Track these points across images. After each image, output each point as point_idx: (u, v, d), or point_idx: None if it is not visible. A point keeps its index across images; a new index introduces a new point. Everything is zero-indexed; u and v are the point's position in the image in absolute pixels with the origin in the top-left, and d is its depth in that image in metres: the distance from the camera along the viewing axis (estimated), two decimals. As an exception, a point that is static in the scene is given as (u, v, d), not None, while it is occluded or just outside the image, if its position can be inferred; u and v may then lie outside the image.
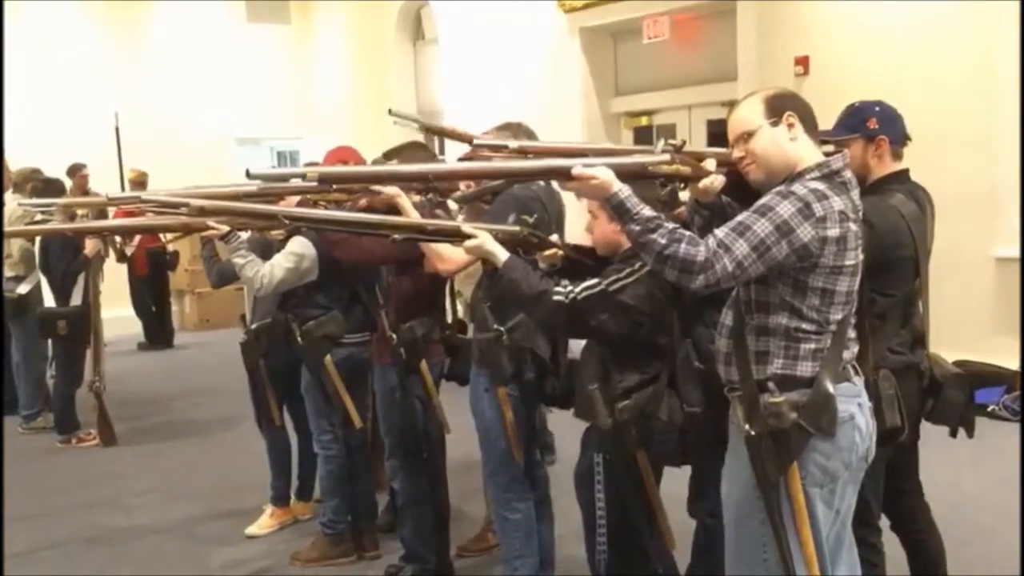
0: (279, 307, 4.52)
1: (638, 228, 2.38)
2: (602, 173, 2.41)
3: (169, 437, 7.13)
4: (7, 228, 6.59)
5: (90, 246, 6.44)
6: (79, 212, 6.45)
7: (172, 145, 11.79)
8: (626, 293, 2.91)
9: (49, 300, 6.75)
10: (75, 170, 9.67)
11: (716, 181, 2.58)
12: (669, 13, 8.92)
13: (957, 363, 3.38)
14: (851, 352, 2.56)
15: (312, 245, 4.21)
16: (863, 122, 3.14)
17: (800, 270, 2.41)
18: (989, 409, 6.24)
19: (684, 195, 2.72)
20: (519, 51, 10.39)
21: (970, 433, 3.29)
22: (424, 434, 4.16)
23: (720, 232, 2.38)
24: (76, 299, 6.65)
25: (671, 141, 2.55)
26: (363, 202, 3.57)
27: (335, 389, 4.39)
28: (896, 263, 3.07)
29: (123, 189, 8.52)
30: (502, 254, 2.90)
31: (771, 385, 2.47)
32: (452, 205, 4.05)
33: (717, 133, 8.07)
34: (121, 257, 8.18)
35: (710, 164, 2.58)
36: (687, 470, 3.29)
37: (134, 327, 11.00)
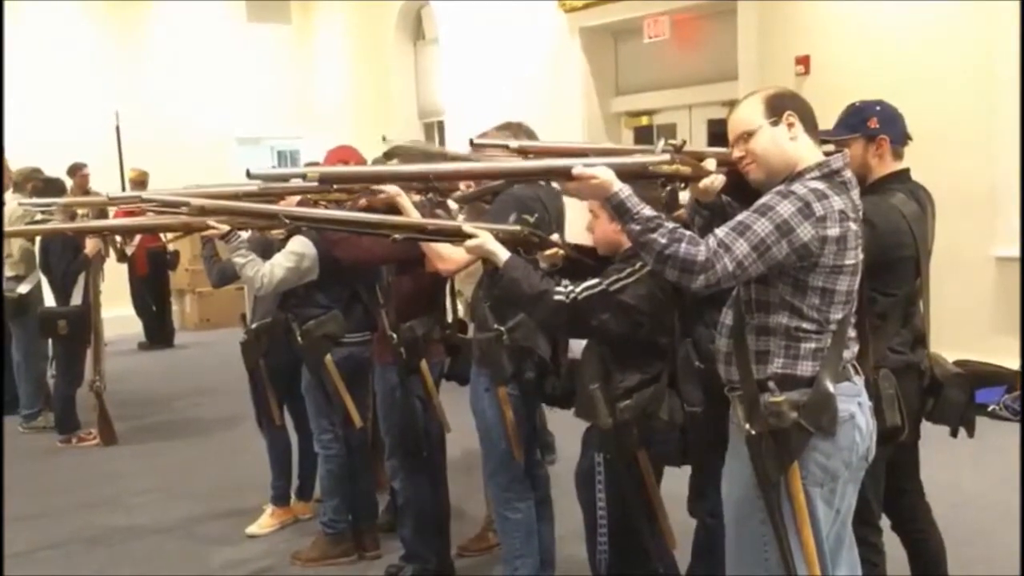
0: (279, 306, 4.53)
1: (638, 228, 2.38)
2: (602, 173, 2.41)
3: (169, 437, 7.13)
4: (7, 228, 6.59)
5: (90, 246, 6.44)
6: (79, 212, 6.45)
7: (173, 145, 11.80)
8: (627, 293, 2.91)
9: (50, 300, 6.75)
10: (76, 170, 9.68)
11: (716, 181, 2.58)
12: (669, 13, 8.92)
13: (958, 363, 3.39)
14: (851, 351, 2.56)
15: (312, 245, 4.21)
16: (864, 122, 3.14)
17: (800, 269, 2.41)
18: (990, 409, 6.24)
19: (684, 196, 2.72)
20: (519, 51, 10.39)
21: (970, 433, 3.29)
22: (424, 434, 4.16)
23: (720, 232, 2.38)
24: (76, 299, 6.65)
25: (671, 141, 2.55)
26: (363, 202, 3.57)
27: (335, 389, 4.39)
28: (897, 263, 3.07)
29: (123, 189, 8.51)
30: (503, 254, 2.91)
31: (771, 384, 2.47)
32: (452, 205, 4.05)
33: (718, 133, 8.06)
34: (121, 257, 8.17)
35: (710, 164, 2.58)
36: (687, 469, 3.29)
37: (134, 326, 11.01)
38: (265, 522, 5.04)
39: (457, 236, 2.98)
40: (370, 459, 4.69)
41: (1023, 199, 6.42)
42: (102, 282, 6.82)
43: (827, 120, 3.07)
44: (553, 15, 9.95)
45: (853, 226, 2.44)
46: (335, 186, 3.47)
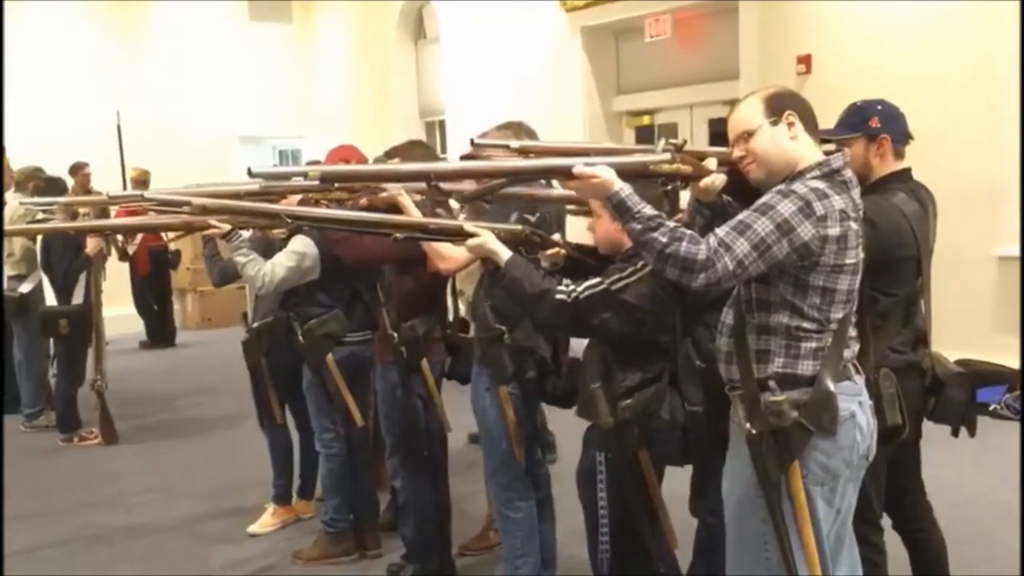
0: (281, 306, 4.53)
1: (639, 227, 2.38)
2: (603, 172, 2.41)
3: (171, 436, 7.13)
4: (9, 227, 6.60)
5: (92, 245, 6.44)
6: (81, 211, 6.45)
7: (174, 144, 11.80)
8: (628, 292, 2.91)
9: (51, 299, 6.75)
10: (77, 169, 9.70)
11: (717, 180, 2.58)
12: (671, 12, 8.92)
13: (959, 362, 3.38)
14: (852, 351, 2.57)
15: (314, 244, 4.21)
16: (865, 121, 3.14)
17: (801, 269, 2.41)
18: (991, 408, 6.24)
19: (685, 196, 2.72)
20: (521, 50, 10.40)
21: (972, 432, 3.29)
22: (425, 433, 4.16)
23: (721, 231, 2.38)
24: (78, 298, 6.65)
25: (672, 140, 2.55)
26: (364, 201, 3.57)
27: (337, 388, 4.39)
28: (898, 262, 3.07)
29: (125, 188, 8.52)
30: (504, 253, 2.91)
31: (772, 384, 2.47)
32: (453, 204, 4.05)
33: (719, 132, 8.07)
34: (123, 255, 8.18)
35: (711, 163, 2.59)
36: (688, 469, 3.28)
37: (136, 326, 11.02)
38: (266, 521, 5.04)
39: (459, 235, 2.98)
40: (371, 458, 4.69)
41: (1023, 198, 6.42)
42: (103, 281, 6.81)
43: (828, 119, 3.07)
44: (554, 14, 9.95)
45: (854, 225, 2.44)
46: (336, 185, 3.46)
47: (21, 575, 4.59)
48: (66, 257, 6.60)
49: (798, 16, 7.81)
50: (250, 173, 2.67)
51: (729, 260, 2.34)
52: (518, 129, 3.71)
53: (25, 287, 7.10)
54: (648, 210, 2.39)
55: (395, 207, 3.49)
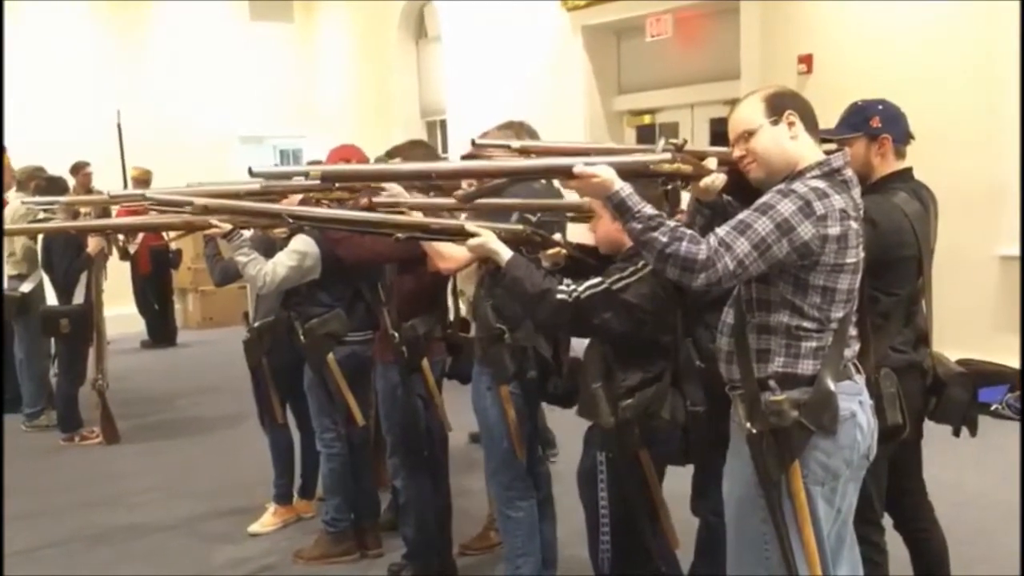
0: (282, 305, 4.53)
1: (639, 226, 2.38)
2: (603, 171, 2.41)
3: (172, 435, 7.13)
4: (11, 226, 6.60)
5: (93, 244, 6.44)
6: (82, 210, 6.45)
7: (175, 144, 11.79)
8: (629, 292, 2.91)
9: (52, 298, 6.75)
10: (78, 168, 9.70)
11: (717, 180, 2.58)
12: (672, 11, 8.91)
13: (960, 362, 3.38)
14: (852, 350, 2.57)
15: (315, 243, 4.21)
16: (866, 120, 3.14)
17: (801, 268, 2.41)
18: (992, 408, 6.24)
19: (686, 197, 2.72)
20: (522, 49, 10.39)
21: (973, 432, 3.29)
22: (426, 432, 4.16)
23: (721, 231, 2.38)
24: (79, 297, 6.65)
25: (672, 140, 2.55)
26: (364, 200, 3.57)
27: (338, 387, 4.39)
28: (899, 262, 3.07)
29: (125, 187, 8.53)
30: (505, 253, 2.92)
31: (772, 383, 2.47)
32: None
33: (720, 132, 8.06)
34: (124, 255, 8.17)
35: (711, 163, 2.59)
36: (689, 468, 3.29)
37: (137, 325, 11.02)
38: (267, 520, 5.04)
39: (460, 235, 2.99)
40: (372, 458, 4.70)
41: (1023, 198, 6.42)
42: (104, 281, 6.81)
43: (830, 119, 3.08)
44: (555, 14, 9.95)
45: (854, 224, 2.44)
46: (337, 185, 3.46)
47: (22, 575, 4.60)
48: (67, 256, 6.60)
49: (799, 16, 7.81)
50: (251, 173, 2.67)
51: (729, 260, 2.34)
52: (519, 129, 3.71)
53: (26, 286, 7.10)
54: (648, 210, 2.39)
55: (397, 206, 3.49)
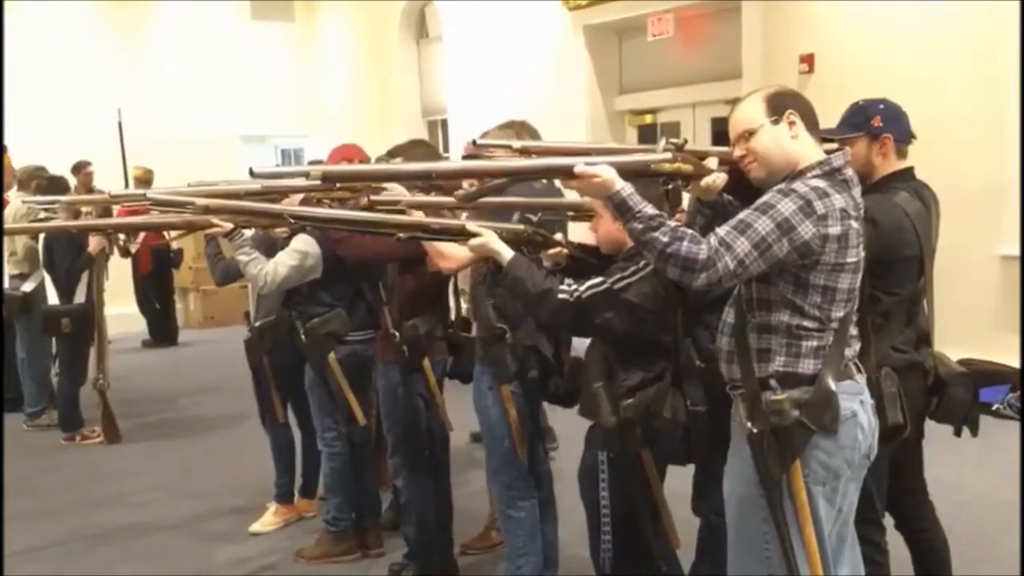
0: (283, 304, 4.53)
1: (640, 226, 2.38)
2: (604, 171, 2.41)
3: (173, 434, 7.13)
4: (12, 225, 6.60)
5: (94, 244, 6.44)
6: (83, 210, 6.45)
7: (176, 143, 11.79)
8: (631, 291, 2.92)
9: (53, 298, 6.76)
10: (80, 168, 9.70)
11: (718, 179, 2.58)
12: (673, 11, 8.92)
13: (962, 361, 3.38)
14: (853, 350, 2.57)
15: (316, 243, 4.21)
16: (867, 120, 3.14)
17: (801, 268, 2.41)
18: (994, 408, 6.24)
19: (686, 197, 2.72)
20: (523, 49, 10.40)
21: (974, 432, 3.29)
22: (427, 432, 4.16)
23: (721, 230, 2.38)
24: (80, 297, 6.66)
25: (673, 140, 2.55)
26: (365, 200, 3.57)
27: (339, 386, 4.39)
28: (901, 261, 3.07)
29: (127, 186, 8.53)
30: (507, 252, 2.92)
31: (773, 383, 2.47)
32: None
33: (722, 131, 8.06)
34: (125, 253, 8.17)
35: (712, 162, 2.59)
36: (690, 468, 3.28)
37: (138, 324, 11.03)
38: (269, 520, 5.04)
39: (461, 235, 2.99)
40: (373, 457, 4.70)
41: (1023, 198, 6.42)
42: (106, 280, 6.81)
43: (831, 119, 3.07)
44: (557, 13, 9.95)
45: (854, 224, 2.44)
46: (338, 184, 3.46)
47: (23, 574, 4.60)
48: (68, 256, 6.61)
49: (801, 15, 7.81)
50: (252, 174, 2.67)
51: (730, 259, 2.33)
52: (520, 128, 3.71)
53: (28, 286, 7.11)
54: (649, 209, 2.39)
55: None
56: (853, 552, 2.67)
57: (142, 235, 8.92)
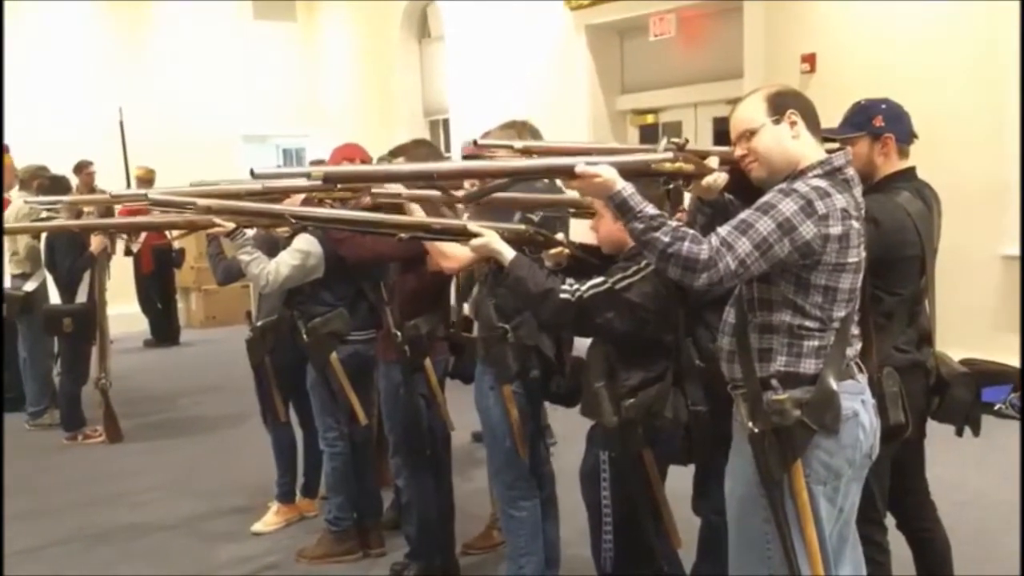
0: (285, 304, 4.53)
1: (641, 226, 2.38)
2: (605, 171, 2.41)
3: (175, 434, 7.14)
4: (14, 224, 6.61)
5: (96, 243, 6.45)
6: (85, 209, 6.46)
7: (178, 143, 11.80)
8: (632, 291, 2.92)
9: (55, 297, 6.76)
10: (82, 168, 9.71)
11: (719, 179, 2.58)
12: (675, 11, 8.92)
13: (964, 361, 3.38)
14: (854, 349, 2.56)
15: (318, 242, 4.22)
16: (869, 120, 3.14)
17: (803, 268, 2.41)
18: (996, 408, 6.23)
19: (687, 198, 2.72)
20: (525, 49, 10.40)
21: (976, 432, 3.29)
22: (428, 431, 4.16)
23: (723, 230, 2.38)
24: (82, 296, 6.66)
25: (674, 139, 2.55)
26: (367, 200, 3.57)
27: (340, 386, 4.39)
28: (903, 261, 3.06)
29: (128, 186, 8.53)
30: (508, 252, 2.92)
31: (774, 382, 2.47)
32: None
33: (723, 131, 8.06)
34: (127, 251, 8.18)
35: (713, 162, 2.59)
36: (691, 467, 3.28)
37: (140, 324, 11.03)
38: (270, 519, 5.04)
39: (463, 235, 2.99)
40: (375, 457, 4.70)
41: (1023, 198, 6.41)
42: (107, 280, 6.82)
43: (833, 118, 3.07)
44: (559, 13, 9.96)
45: (855, 224, 2.44)
46: (339, 184, 3.46)
47: (25, 574, 4.60)
48: (70, 255, 6.61)
49: (802, 15, 7.80)
50: (253, 174, 2.67)
51: (731, 259, 2.33)
52: (521, 128, 3.71)
53: (29, 285, 7.11)
54: (650, 209, 2.39)
55: (399, 206, 3.49)
56: (855, 552, 2.67)
57: (144, 235, 8.94)
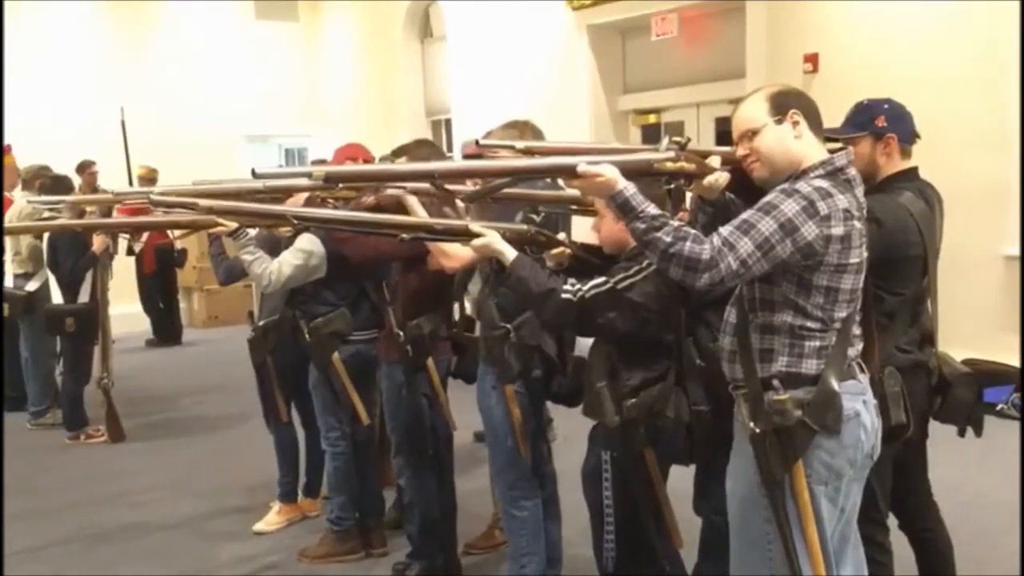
0: (287, 304, 4.53)
1: (643, 226, 2.38)
2: (607, 171, 2.41)
3: (177, 433, 7.14)
4: (16, 224, 6.61)
5: (98, 243, 6.45)
6: (88, 209, 6.46)
7: (180, 142, 11.79)
8: (634, 291, 2.92)
9: (57, 297, 6.76)
10: (84, 167, 9.72)
11: (720, 178, 2.58)
12: (677, 10, 8.91)
13: (966, 361, 3.38)
14: (856, 349, 2.56)
15: (320, 242, 4.21)
16: (872, 120, 3.13)
17: (804, 268, 2.41)
18: (998, 408, 6.22)
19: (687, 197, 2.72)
20: (527, 48, 10.39)
21: (978, 432, 3.28)
22: (431, 431, 4.16)
23: (724, 230, 2.37)
24: (84, 296, 6.66)
25: (675, 139, 2.55)
26: (370, 199, 3.57)
27: (343, 386, 4.39)
28: (905, 261, 3.06)
29: (131, 185, 8.54)
30: (510, 252, 2.92)
31: (776, 383, 2.47)
32: (459, 203, 4.04)
33: (725, 131, 8.06)
34: (129, 250, 8.18)
35: (714, 162, 2.59)
36: (692, 468, 3.28)
37: (142, 324, 11.03)
38: (272, 519, 5.05)
39: (464, 235, 2.99)
40: (377, 456, 4.70)
41: (1023, 199, 6.41)
42: (110, 279, 6.83)
43: (835, 118, 3.07)
44: (561, 13, 9.95)
45: (857, 224, 2.44)
46: (341, 184, 3.46)
47: (26, 574, 4.60)
48: (72, 255, 6.61)
49: (805, 15, 7.80)
50: (254, 174, 2.67)
51: (733, 260, 2.33)
52: (523, 128, 3.70)
53: (32, 285, 7.12)
54: (652, 209, 2.39)
55: (402, 206, 3.50)
56: (856, 552, 2.66)
57: (146, 234, 8.95)
